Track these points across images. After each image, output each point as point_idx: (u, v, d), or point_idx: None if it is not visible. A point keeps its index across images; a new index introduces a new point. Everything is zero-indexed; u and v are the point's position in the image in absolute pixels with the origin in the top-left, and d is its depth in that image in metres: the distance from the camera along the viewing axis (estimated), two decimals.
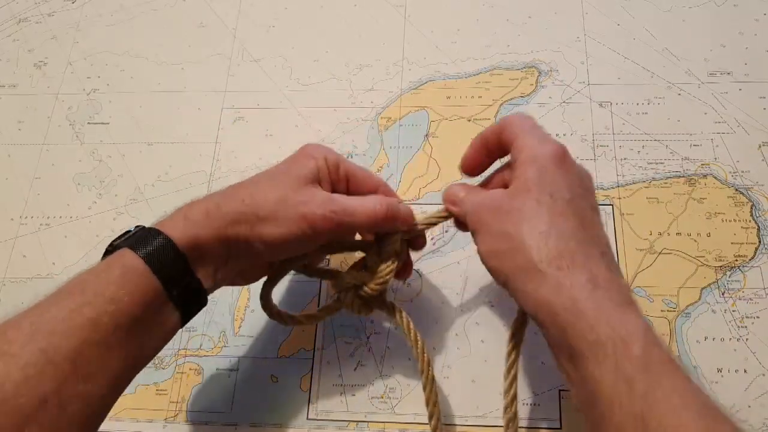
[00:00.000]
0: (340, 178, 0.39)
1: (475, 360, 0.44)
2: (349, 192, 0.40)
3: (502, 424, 0.37)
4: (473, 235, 0.36)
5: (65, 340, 0.29)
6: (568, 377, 0.31)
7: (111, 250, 0.34)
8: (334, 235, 0.37)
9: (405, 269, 0.42)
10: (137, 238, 0.33)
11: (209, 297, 0.36)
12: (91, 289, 0.31)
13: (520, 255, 0.32)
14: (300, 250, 0.38)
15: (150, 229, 0.34)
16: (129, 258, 0.32)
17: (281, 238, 0.35)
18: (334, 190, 0.38)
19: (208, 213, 0.35)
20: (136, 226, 0.35)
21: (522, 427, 0.42)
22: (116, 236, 0.35)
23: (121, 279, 0.31)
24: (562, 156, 0.34)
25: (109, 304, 0.30)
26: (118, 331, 0.30)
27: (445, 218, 0.39)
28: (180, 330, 0.35)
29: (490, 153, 0.39)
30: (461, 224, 0.39)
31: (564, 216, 0.32)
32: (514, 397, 0.37)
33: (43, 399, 0.27)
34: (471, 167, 0.40)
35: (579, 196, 0.34)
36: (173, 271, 0.33)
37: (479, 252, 0.35)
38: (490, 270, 0.35)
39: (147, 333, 0.32)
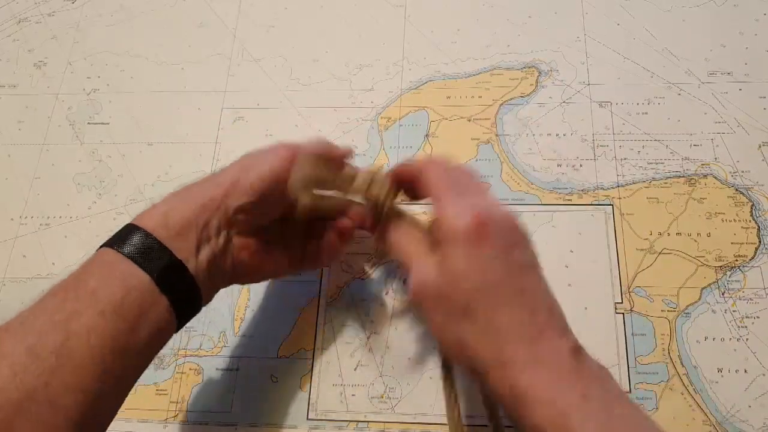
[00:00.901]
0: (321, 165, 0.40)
1: None
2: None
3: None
4: (421, 315, 0.35)
5: (50, 334, 0.29)
6: None
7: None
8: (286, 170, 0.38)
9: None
10: (115, 236, 0.34)
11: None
12: (70, 285, 0.32)
13: (464, 350, 0.31)
14: (272, 197, 0.38)
15: (124, 226, 0.35)
16: (105, 253, 0.33)
17: (250, 181, 0.36)
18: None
19: (174, 193, 0.37)
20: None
21: None
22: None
23: (96, 269, 0.32)
24: (479, 230, 0.31)
25: (89, 295, 0.31)
26: (101, 318, 0.30)
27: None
28: (180, 330, 0.35)
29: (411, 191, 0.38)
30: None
31: (496, 304, 0.31)
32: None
33: (30, 393, 0.28)
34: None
35: (509, 269, 0.31)
36: (148, 253, 0.33)
37: (433, 336, 0.34)
38: (445, 355, 0.35)
39: (133, 318, 0.31)
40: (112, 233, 0.51)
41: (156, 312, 0.33)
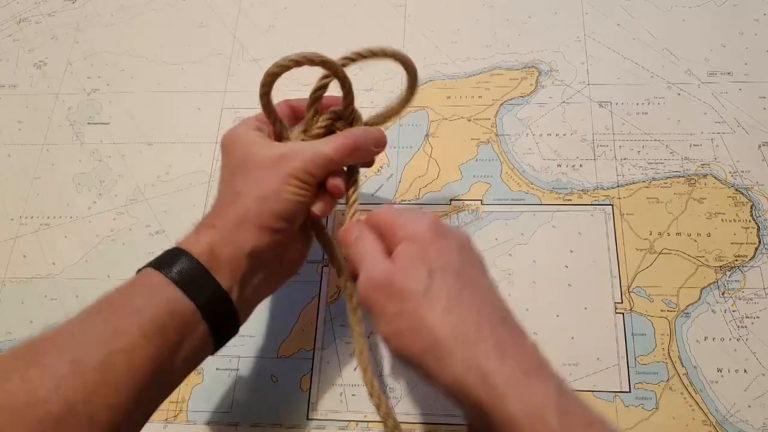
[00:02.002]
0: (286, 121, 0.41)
1: None
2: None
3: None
4: (368, 314, 0.34)
5: (93, 350, 0.29)
6: None
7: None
8: (322, 177, 0.38)
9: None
10: (159, 258, 0.34)
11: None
12: (116, 302, 0.32)
13: (423, 334, 0.30)
14: (307, 205, 0.38)
15: (169, 249, 0.35)
16: (152, 275, 0.33)
17: (287, 201, 0.36)
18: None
19: (213, 224, 0.35)
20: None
21: None
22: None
23: (142, 290, 0.33)
24: (437, 228, 0.33)
25: (133, 314, 0.31)
26: (144, 339, 0.31)
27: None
28: None
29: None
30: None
31: (458, 288, 0.31)
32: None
33: (72, 406, 0.28)
34: None
35: (467, 263, 0.33)
36: (196, 281, 0.33)
37: (380, 335, 0.32)
38: (394, 352, 0.32)
39: (174, 343, 0.32)
40: (112, 233, 0.51)
41: (196, 338, 0.33)
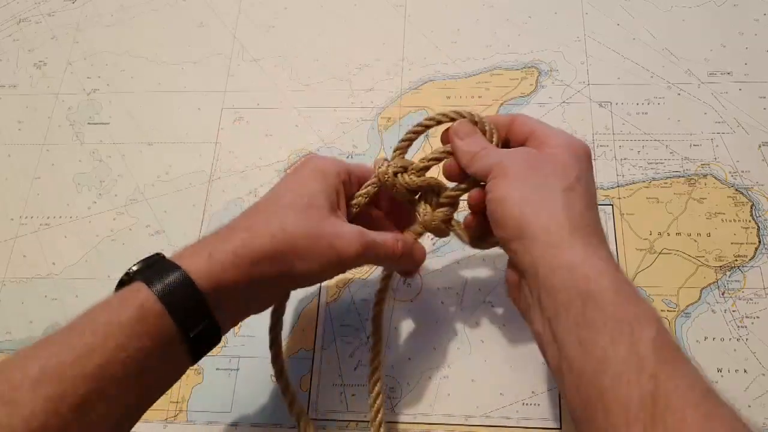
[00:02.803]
0: (352, 185, 0.40)
1: (475, 360, 0.44)
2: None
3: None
4: (489, 180, 0.35)
5: (72, 388, 0.27)
6: (561, 350, 0.30)
7: (126, 279, 0.32)
8: (357, 266, 0.38)
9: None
10: (155, 271, 0.31)
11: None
12: (101, 330, 0.29)
13: (552, 215, 0.32)
14: (323, 280, 0.39)
15: (169, 262, 0.32)
16: (145, 297, 0.30)
17: (313, 272, 0.35)
18: (349, 197, 0.39)
19: (236, 253, 0.32)
20: (156, 254, 0.33)
21: (522, 427, 0.42)
22: (134, 263, 0.33)
23: (135, 323, 0.29)
24: (590, 153, 0.36)
25: (119, 350, 0.29)
26: (127, 378, 0.29)
27: (440, 159, 0.40)
28: None
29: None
30: (454, 172, 0.39)
31: (594, 205, 0.33)
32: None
33: None
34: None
35: (594, 195, 0.35)
36: (192, 313, 0.31)
37: (502, 196, 0.34)
38: (506, 218, 0.33)
39: (157, 376, 0.31)
40: (112, 233, 0.51)
41: (179, 368, 0.33)
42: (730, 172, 0.48)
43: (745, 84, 0.51)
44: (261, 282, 0.33)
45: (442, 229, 0.40)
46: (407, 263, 0.41)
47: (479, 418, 0.42)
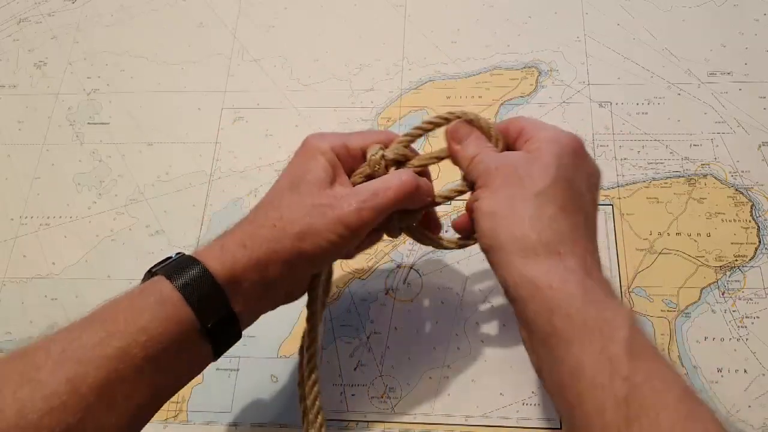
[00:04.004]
0: (353, 157, 0.38)
1: (475, 360, 0.44)
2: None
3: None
4: (476, 188, 0.35)
5: (93, 369, 0.28)
6: (539, 359, 0.31)
7: (148, 276, 0.33)
8: (372, 224, 0.35)
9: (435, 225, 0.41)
10: (174, 267, 0.32)
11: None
12: (122, 316, 0.30)
13: (519, 225, 0.32)
14: (343, 253, 0.37)
15: (188, 257, 0.33)
16: (164, 287, 0.31)
17: (322, 248, 0.34)
18: (352, 169, 0.38)
19: (244, 244, 0.34)
20: (177, 253, 0.34)
21: (522, 427, 0.42)
22: (156, 262, 0.34)
23: (154, 308, 0.30)
24: (580, 146, 0.35)
25: (140, 333, 0.29)
26: (147, 363, 0.29)
27: (440, 158, 0.39)
28: None
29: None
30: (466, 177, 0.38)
31: (572, 205, 0.32)
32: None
33: (65, 430, 0.27)
34: None
35: (588, 191, 0.34)
36: (209, 303, 0.32)
37: (479, 207, 0.34)
38: (481, 230, 0.33)
39: (176, 365, 0.31)
40: (112, 233, 0.51)
41: (198, 358, 0.33)
42: (730, 172, 0.48)
43: (745, 84, 0.51)
44: (272, 269, 0.34)
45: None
46: (417, 199, 0.38)
47: (479, 418, 0.42)
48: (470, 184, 0.37)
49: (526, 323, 0.31)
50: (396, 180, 0.36)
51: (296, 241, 0.34)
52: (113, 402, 0.28)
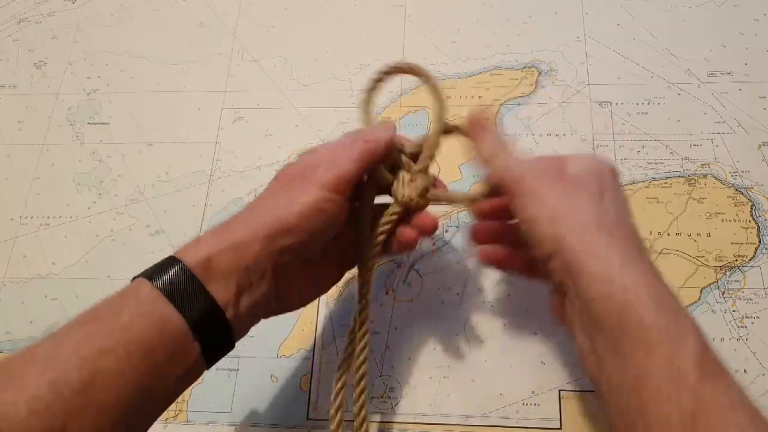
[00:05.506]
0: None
1: (475, 360, 0.44)
2: None
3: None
4: (519, 198, 0.34)
5: (75, 370, 0.27)
6: (599, 361, 0.30)
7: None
8: (350, 176, 0.35)
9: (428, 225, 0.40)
10: (154, 268, 0.32)
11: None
12: (102, 316, 0.30)
13: (581, 220, 0.31)
14: (328, 224, 0.35)
15: (167, 257, 0.33)
16: (143, 286, 0.31)
17: (302, 214, 0.34)
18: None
19: (220, 231, 0.34)
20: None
21: (522, 427, 0.42)
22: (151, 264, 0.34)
23: (133, 306, 0.30)
24: (617, 172, 0.35)
25: (120, 331, 0.29)
26: (131, 359, 0.29)
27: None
28: None
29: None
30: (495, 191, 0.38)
31: (622, 209, 0.33)
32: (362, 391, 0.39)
33: None
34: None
35: (627, 205, 0.34)
36: (186, 293, 0.31)
37: (528, 217, 0.33)
38: (541, 237, 0.32)
39: (164, 365, 0.30)
40: (112, 233, 0.51)
41: (186, 357, 0.31)
42: (730, 172, 0.48)
43: (745, 84, 0.51)
44: (252, 249, 0.33)
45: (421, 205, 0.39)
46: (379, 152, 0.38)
47: (479, 418, 0.42)
48: (493, 190, 0.38)
49: (593, 323, 0.30)
50: (373, 132, 0.38)
51: (273, 210, 0.34)
52: (100, 401, 0.28)
